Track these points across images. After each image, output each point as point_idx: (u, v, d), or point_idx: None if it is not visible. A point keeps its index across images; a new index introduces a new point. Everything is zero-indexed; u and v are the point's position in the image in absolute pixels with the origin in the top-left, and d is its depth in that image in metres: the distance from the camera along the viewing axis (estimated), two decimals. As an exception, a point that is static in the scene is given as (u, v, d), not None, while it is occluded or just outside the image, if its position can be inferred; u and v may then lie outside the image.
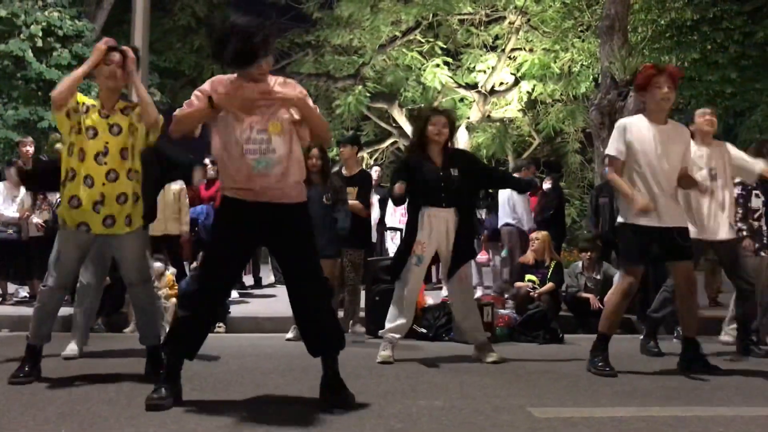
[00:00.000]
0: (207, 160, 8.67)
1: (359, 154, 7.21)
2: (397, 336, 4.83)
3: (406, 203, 4.98)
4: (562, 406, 3.50)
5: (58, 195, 7.13)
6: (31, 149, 7.49)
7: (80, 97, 3.90)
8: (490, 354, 4.81)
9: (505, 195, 8.17)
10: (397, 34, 14.55)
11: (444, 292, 9.00)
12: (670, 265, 4.71)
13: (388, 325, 4.84)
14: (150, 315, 4.15)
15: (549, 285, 6.71)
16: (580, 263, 7.13)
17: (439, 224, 4.79)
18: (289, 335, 5.87)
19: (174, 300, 6.63)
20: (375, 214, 9.41)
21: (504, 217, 8.22)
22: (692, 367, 4.52)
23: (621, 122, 4.60)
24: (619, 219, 4.58)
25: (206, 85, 3.44)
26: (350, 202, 6.01)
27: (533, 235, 7.27)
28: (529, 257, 7.03)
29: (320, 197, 5.67)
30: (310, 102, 3.49)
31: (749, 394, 3.90)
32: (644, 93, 4.55)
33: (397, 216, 9.34)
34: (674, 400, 3.69)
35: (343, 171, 6.45)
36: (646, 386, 4.04)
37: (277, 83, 3.44)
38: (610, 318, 4.58)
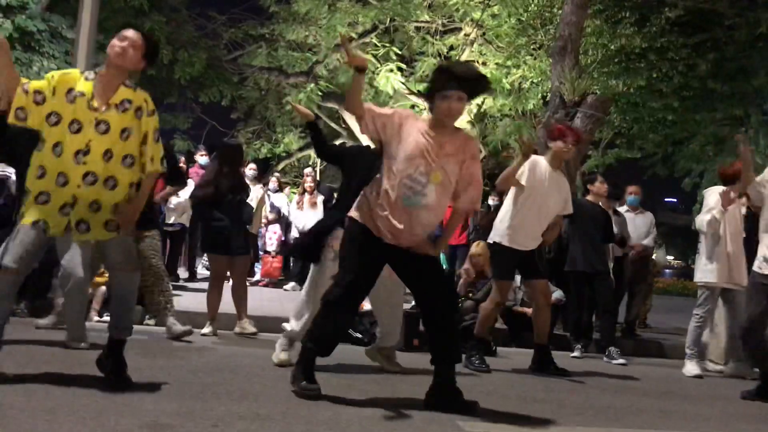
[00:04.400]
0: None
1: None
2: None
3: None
4: (491, 421, 3.51)
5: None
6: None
7: (67, 80, 3.48)
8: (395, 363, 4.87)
9: None
10: (353, 35, 14.49)
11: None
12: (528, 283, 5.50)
13: (297, 323, 4.53)
14: (130, 304, 3.74)
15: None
16: (518, 277, 7.20)
17: None
18: (205, 330, 5.80)
19: (103, 288, 6.43)
20: (316, 215, 9.33)
21: None
22: (543, 369, 5.22)
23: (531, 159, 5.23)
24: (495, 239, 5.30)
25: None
26: None
27: (473, 250, 7.18)
28: (470, 272, 6.96)
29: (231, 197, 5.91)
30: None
31: (671, 417, 3.99)
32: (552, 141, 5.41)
33: None
34: (600, 420, 3.75)
35: None
36: (576, 405, 4.10)
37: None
38: (483, 324, 5.42)
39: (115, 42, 3.53)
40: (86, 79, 3.52)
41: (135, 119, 3.54)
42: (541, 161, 5.31)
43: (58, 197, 3.44)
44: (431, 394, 3.66)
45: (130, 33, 3.57)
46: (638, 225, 7.79)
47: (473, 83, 3.66)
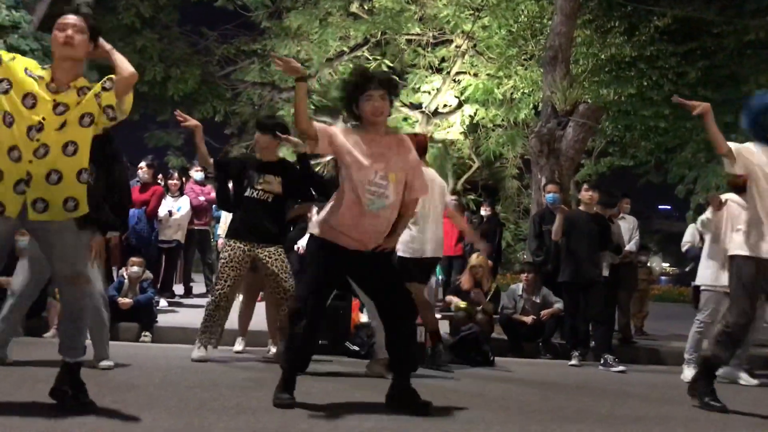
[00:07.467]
0: (143, 163, 8.44)
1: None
2: None
3: None
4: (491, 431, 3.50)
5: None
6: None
7: (26, 62, 3.29)
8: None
9: None
10: (345, 49, 14.56)
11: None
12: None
13: None
14: (78, 322, 3.42)
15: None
16: (520, 285, 7.21)
17: None
18: (237, 347, 5.76)
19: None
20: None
21: None
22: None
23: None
24: None
25: None
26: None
27: (473, 261, 7.10)
28: (467, 282, 6.96)
29: None
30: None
31: (670, 423, 3.99)
32: None
33: None
34: (600, 428, 3.74)
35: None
36: (576, 414, 4.09)
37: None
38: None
39: (57, 33, 3.28)
40: (43, 68, 3.34)
41: (95, 103, 3.32)
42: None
43: (12, 173, 3.14)
44: (391, 396, 3.79)
45: (70, 19, 3.31)
46: (622, 230, 7.81)
47: (388, 81, 3.83)
